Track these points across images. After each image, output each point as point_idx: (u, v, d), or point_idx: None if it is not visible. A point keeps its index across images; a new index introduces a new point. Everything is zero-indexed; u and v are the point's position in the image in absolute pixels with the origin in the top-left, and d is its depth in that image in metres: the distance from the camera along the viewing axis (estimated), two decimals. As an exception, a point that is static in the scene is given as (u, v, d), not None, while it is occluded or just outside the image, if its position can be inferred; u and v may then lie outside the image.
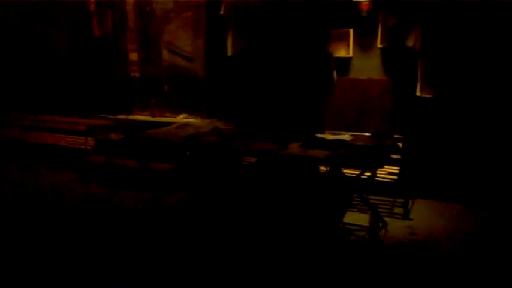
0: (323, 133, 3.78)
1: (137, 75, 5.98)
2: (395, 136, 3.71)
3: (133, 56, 5.95)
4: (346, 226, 3.53)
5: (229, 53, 5.22)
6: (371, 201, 3.81)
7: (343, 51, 4.75)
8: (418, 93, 4.39)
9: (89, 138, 5.69)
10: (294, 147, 3.14)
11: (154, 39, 5.80)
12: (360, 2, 4.48)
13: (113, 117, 5.83)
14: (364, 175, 3.28)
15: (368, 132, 4.20)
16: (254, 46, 5.10)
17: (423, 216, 4.08)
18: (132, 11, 5.85)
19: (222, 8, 5.22)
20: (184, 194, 4.37)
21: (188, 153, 3.94)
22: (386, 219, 3.86)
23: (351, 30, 4.70)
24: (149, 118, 5.78)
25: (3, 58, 6.63)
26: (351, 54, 4.75)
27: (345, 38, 4.73)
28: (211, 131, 3.79)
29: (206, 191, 4.01)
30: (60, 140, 5.92)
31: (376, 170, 3.40)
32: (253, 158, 3.99)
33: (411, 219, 4.00)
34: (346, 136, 3.34)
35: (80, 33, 6.15)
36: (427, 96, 4.36)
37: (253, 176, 3.74)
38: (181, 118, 5.65)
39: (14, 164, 5.72)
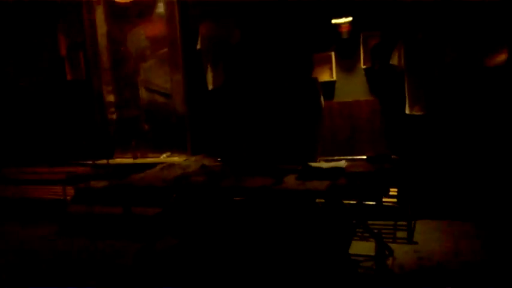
0: (316, 161, 3.59)
1: (115, 117, 5.76)
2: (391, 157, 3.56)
3: (110, 98, 5.75)
4: (352, 258, 3.30)
5: (210, 87, 5.07)
6: (371, 226, 3.61)
7: (327, 75, 4.65)
8: (407, 111, 4.28)
9: (68, 187, 5.36)
10: (290, 180, 2.92)
11: (130, 78, 5.63)
12: (339, 25, 4.42)
13: (92, 162, 5.54)
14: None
15: (361, 155, 4.04)
16: (235, 78, 4.97)
17: (428, 238, 3.88)
18: (105, 52, 5.69)
19: (198, 43, 5.11)
20: (172, 238, 4.07)
21: (175, 195, 3.69)
22: (391, 245, 3.65)
23: (333, 53, 4.61)
24: (131, 160, 5.52)
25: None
26: (335, 78, 4.64)
27: (327, 62, 4.64)
28: (199, 169, 3.56)
29: (197, 234, 3.74)
30: (36, 191, 5.57)
31: (382, 199, 3.21)
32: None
33: (416, 243, 3.79)
34: (342, 163, 3.15)
35: (53, 78, 5.94)
36: (417, 113, 4.25)
37: (248, 215, 3.50)
38: (165, 157, 5.41)
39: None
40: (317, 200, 3.13)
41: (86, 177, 5.28)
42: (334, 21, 4.47)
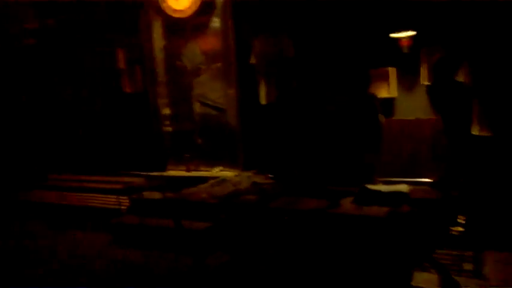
0: (374, 182, 3.40)
1: (170, 129, 5.85)
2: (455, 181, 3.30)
3: (165, 111, 5.84)
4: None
5: (263, 102, 5.02)
6: (434, 255, 3.34)
7: (385, 91, 4.44)
8: (474, 132, 3.97)
9: (123, 198, 5.48)
10: (346, 204, 2.78)
11: (185, 92, 5.70)
12: (399, 39, 4.22)
13: (146, 174, 5.66)
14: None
15: (423, 177, 3.79)
16: (289, 93, 4.88)
17: (498, 272, 3.53)
18: (161, 66, 5.80)
19: (252, 57, 5.08)
20: (224, 254, 4.01)
21: (225, 213, 3.64)
22: (456, 278, 3.35)
23: (392, 69, 4.40)
24: (184, 173, 5.57)
25: (38, 122, 6.69)
26: (394, 94, 4.42)
27: (385, 77, 4.43)
28: (250, 187, 3.50)
29: (249, 252, 3.65)
30: (93, 200, 5.74)
31: (449, 229, 2.97)
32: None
33: (484, 277, 3.46)
34: (403, 187, 2.95)
35: (111, 91, 6.16)
36: (485, 134, 3.93)
37: (300, 236, 3.37)
38: (217, 171, 5.41)
39: (47, 227, 5.56)
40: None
41: (140, 188, 5.38)
42: (393, 35, 4.28)
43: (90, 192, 5.83)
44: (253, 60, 5.09)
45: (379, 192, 2.83)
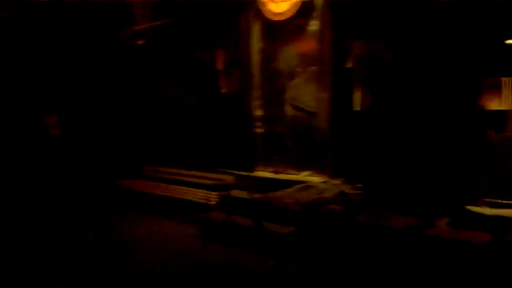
0: (477, 204, 3.07)
1: (261, 131, 5.93)
2: None
3: (258, 112, 5.94)
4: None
5: (357, 107, 4.84)
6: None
7: (496, 104, 3.99)
8: None
9: (212, 193, 5.70)
10: (442, 225, 2.54)
11: (278, 95, 5.73)
12: (518, 45, 3.76)
13: (236, 172, 5.81)
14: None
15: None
16: (385, 100, 4.64)
17: None
18: (257, 68, 5.91)
19: (349, 61, 4.93)
20: (307, 261, 3.94)
21: (308, 220, 3.56)
22: None
23: (507, 79, 3.93)
24: (272, 175, 5.62)
25: (141, 116, 7.25)
26: (507, 107, 3.95)
27: (498, 88, 3.97)
28: (337, 196, 3.38)
29: (332, 264, 3.54)
30: (185, 193, 6.05)
31: None
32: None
33: None
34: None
35: (208, 91, 6.44)
36: None
37: (389, 255, 3.17)
38: (305, 176, 5.36)
39: (139, 215, 5.98)
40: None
41: (229, 186, 5.54)
42: (509, 41, 3.82)
43: (182, 185, 6.16)
44: (349, 65, 4.93)
45: (481, 215, 2.54)
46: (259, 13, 5.63)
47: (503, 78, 3.97)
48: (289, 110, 5.65)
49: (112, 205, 6.35)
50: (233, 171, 5.84)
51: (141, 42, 6.62)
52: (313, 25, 5.32)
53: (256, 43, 5.89)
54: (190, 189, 5.98)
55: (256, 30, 5.87)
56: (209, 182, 5.86)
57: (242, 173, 5.76)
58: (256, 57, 5.91)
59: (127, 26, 6.84)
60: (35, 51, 8.30)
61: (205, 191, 5.61)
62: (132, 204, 6.26)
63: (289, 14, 5.28)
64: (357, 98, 4.86)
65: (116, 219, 5.80)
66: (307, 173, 5.41)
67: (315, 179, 5.10)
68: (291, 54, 5.59)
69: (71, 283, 3.76)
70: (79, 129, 7.72)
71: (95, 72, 7.77)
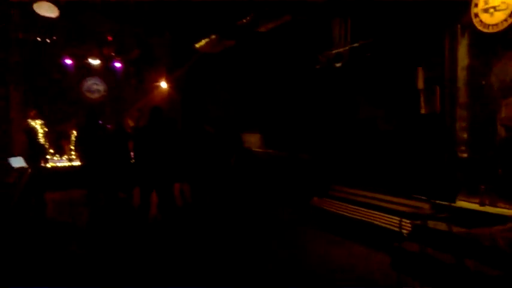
0: None
1: (465, 155, 5.29)
2: None
3: (462, 135, 5.33)
4: None
5: None
6: None
7: None
8: None
9: (405, 221, 5.33)
10: None
11: (488, 115, 5.03)
12: None
13: (433, 201, 5.30)
14: None
15: None
16: None
17: None
18: (463, 86, 5.33)
19: None
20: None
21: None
22: None
23: None
24: (476, 207, 4.91)
25: (336, 133, 7.38)
26: None
27: None
28: None
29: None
30: (374, 217, 5.84)
31: None
32: None
33: None
34: None
35: (406, 111, 6.11)
36: None
37: None
38: (520, 212, 4.50)
39: (328, 234, 6.02)
40: None
41: (425, 215, 5.09)
42: None
43: (371, 209, 5.98)
44: None
45: None
46: (467, 27, 5.11)
47: None
48: (502, 132, 4.88)
49: (304, 222, 6.63)
50: (430, 199, 5.34)
51: (338, 64, 6.77)
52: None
53: (462, 58, 5.33)
54: (381, 213, 5.76)
55: (463, 45, 5.32)
56: (402, 208, 5.53)
57: (440, 202, 5.21)
58: (462, 74, 5.34)
59: (326, 49, 7.12)
60: (247, 74, 9.49)
61: (397, 218, 5.29)
62: (321, 223, 6.40)
63: (504, 26, 4.61)
64: None
65: (307, 237, 6.01)
66: (524, 209, 4.54)
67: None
68: (505, 69, 4.84)
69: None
70: (276, 147, 8.37)
71: (293, 94, 8.34)
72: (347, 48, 6.70)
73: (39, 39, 10.45)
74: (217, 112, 11.10)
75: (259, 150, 8.90)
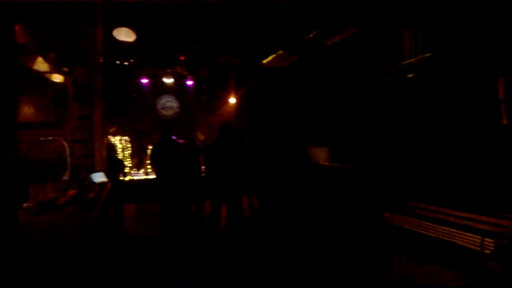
0: None
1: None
2: None
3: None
4: None
5: None
6: None
7: None
8: None
9: (487, 240, 4.97)
10: None
11: None
12: None
13: (519, 219, 4.90)
14: None
15: None
16: None
17: None
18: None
19: None
20: None
21: None
22: None
23: None
24: None
25: (409, 146, 7.10)
26: None
27: None
28: None
29: None
30: (451, 235, 5.50)
31: None
32: None
33: None
34: None
35: (483, 123, 5.75)
36: None
37: None
38: None
39: (401, 252, 5.74)
40: None
41: (509, 234, 4.72)
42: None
43: (448, 226, 5.63)
44: None
45: None
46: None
47: None
48: None
49: (375, 238, 6.41)
50: (514, 216, 4.94)
51: (410, 75, 6.56)
52: None
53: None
54: (460, 232, 5.41)
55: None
56: (484, 226, 5.17)
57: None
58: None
59: (396, 61, 6.94)
60: (314, 88, 9.51)
61: (479, 237, 4.95)
62: (394, 240, 6.15)
63: None
64: None
65: (380, 254, 5.79)
66: None
67: None
68: None
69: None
70: (344, 160, 8.22)
71: (361, 106, 8.19)
72: (419, 58, 6.47)
73: (118, 62, 11.36)
74: (285, 126, 11.20)
75: (326, 164, 8.82)
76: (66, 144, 4.92)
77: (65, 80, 6.21)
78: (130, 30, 8.64)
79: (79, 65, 6.32)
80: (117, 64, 11.43)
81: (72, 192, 4.36)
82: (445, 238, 5.50)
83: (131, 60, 11.58)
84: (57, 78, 6.02)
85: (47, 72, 5.93)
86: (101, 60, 6.95)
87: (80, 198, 4.07)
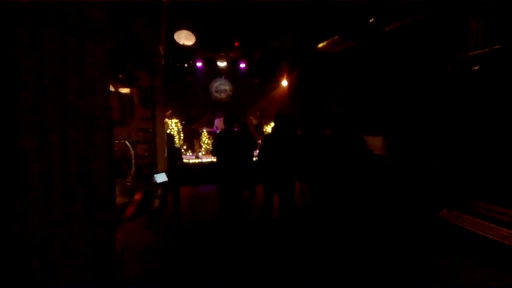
0: None
1: None
2: None
3: None
4: None
5: None
6: None
7: None
8: None
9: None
10: None
11: None
12: None
13: None
14: None
15: None
16: None
17: None
18: None
19: None
20: None
21: None
22: None
23: None
24: None
25: (473, 140, 6.78)
26: None
27: None
28: None
29: None
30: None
31: None
32: None
33: None
34: None
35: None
36: None
37: None
38: None
39: (460, 255, 5.56)
40: None
41: None
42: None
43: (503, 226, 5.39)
44: None
45: None
46: None
47: None
48: None
49: (431, 239, 6.25)
50: None
51: (476, 67, 6.20)
52: None
53: None
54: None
55: None
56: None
57: None
58: None
59: (461, 51, 6.57)
60: (371, 74, 9.24)
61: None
62: (452, 241, 5.97)
63: None
64: None
65: (436, 256, 5.65)
66: None
67: None
68: None
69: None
70: (403, 152, 8.00)
71: (421, 96, 7.88)
72: (486, 50, 6.09)
73: (178, 64, 11.70)
74: (339, 113, 11.03)
75: (381, 154, 8.62)
76: (129, 145, 5.14)
77: (131, 89, 6.37)
78: (190, 33, 8.79)
79: (141, 70, 6.47)
80: (177, 66, 11.80)
81: (137, 196, 4.56)
82: (506, 242, 5.27)
83: (190, 62, 11.91)
84: (124, 90, 6.15)
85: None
86: (162, 63, 7.05)
87: (146, 207, 4.21)
